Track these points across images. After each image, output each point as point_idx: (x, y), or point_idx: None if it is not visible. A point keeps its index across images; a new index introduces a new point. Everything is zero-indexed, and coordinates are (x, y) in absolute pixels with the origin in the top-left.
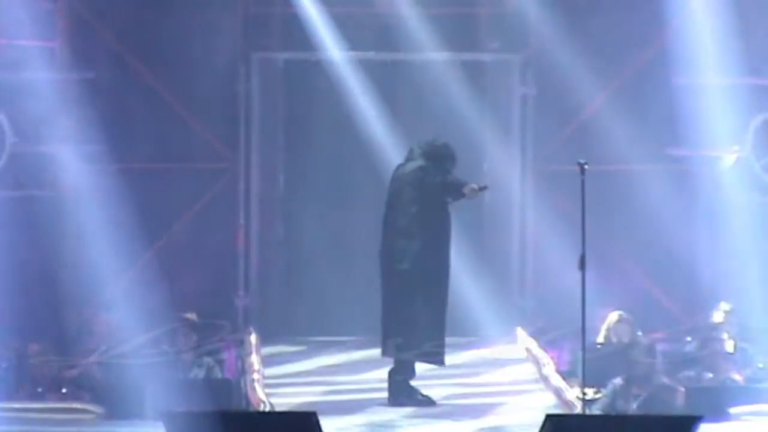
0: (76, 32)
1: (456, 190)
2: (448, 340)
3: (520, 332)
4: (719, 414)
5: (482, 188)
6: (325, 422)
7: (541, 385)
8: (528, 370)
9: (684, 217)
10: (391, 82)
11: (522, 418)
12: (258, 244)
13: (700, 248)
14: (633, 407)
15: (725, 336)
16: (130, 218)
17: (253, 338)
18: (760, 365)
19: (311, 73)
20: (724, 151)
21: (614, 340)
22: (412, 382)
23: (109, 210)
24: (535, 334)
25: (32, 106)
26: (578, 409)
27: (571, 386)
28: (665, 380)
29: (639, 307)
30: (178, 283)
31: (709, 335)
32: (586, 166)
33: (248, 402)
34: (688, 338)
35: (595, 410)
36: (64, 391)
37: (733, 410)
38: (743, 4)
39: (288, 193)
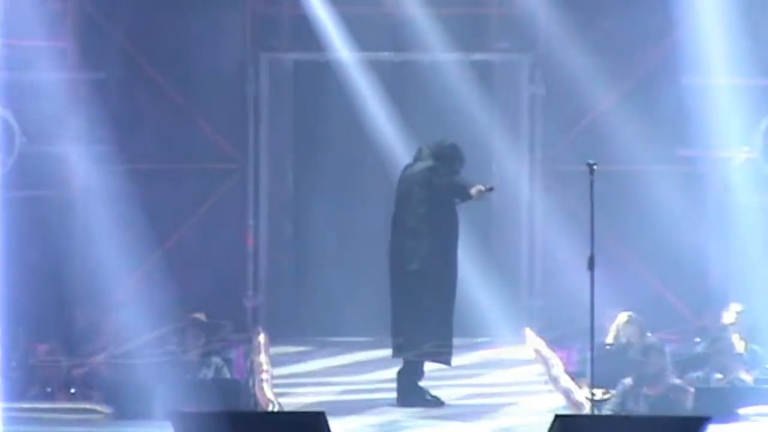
0: (85, 32)
1: (463, 191)
2: (456, 340)
3: (529, 333)
4: (728, 415)
5: (489, 189)
6: (333, 422)
7: (550, 386)
8: (537, 370)
9: (693, 218)
10: (400, 82)
11: (531, 419)
12: (267, 244)
13: (709, 249)
14: (643, 408)
15: (736, 337)
16: (138, 218)
17: (261, 338)
18: None
19: (320, 74)
20: (733, 151)
21: (623, 340)
22: (421, 383)
23: (118, 210)
24: (544, 335)
25: (42, 106)
26: (587, 409)
27: (580, 387)
28: (676, 381)
29: (648, 308)
30: (187, 283)
31: (718, 336)
32: (594, 167)
33: (257, 402)
34: (697, 339)
35: (605, 411)
36: (72, 391)
37: (742, 411)
38: (753, 4)
39: (297, 193)
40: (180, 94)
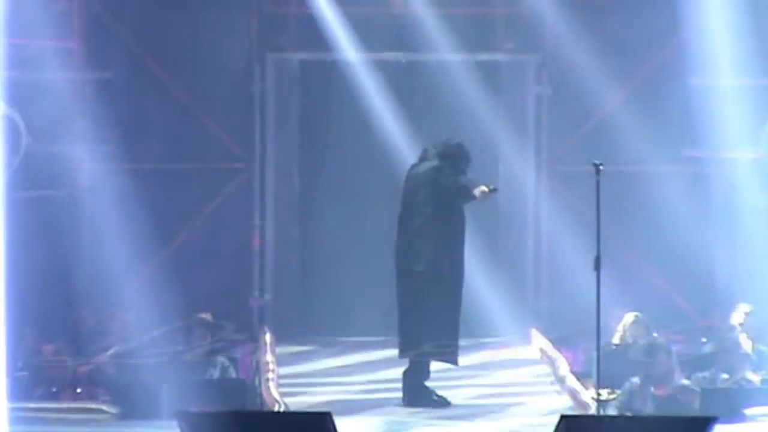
0: (92, 32)
1: (466, 192)
2: (462, 341)
3: (535, 333)
4: (734, 415)
5: (492, 190)
6: (340, 422)
7: (556, 386)
8: (543, 371)
9: (699, 218)
10: (407, 82)
11: (537, 420)
12: (273, 244)
13: (716, 249)
14: (650, 408)
15: (743, 337)
16: (145, 218)
17: (267, 338)
18: None
19: (326, 74)
20: (740, 152)
21: (630, 340)
22: (427, 383)
23: (124, 210)
24: (550, 335)
25: (48, 106)
26: (593, 410)
27: (586, 387)
28: (684, 381)
29: (654, 308)
30: (193, 283)
31: (724, 336)
32: (601, 167)
33: (263, 402)
34: (704, 339)
35: (611, 411)
36: (79, 391)
37: (748, 411)
38: (760, 5)
39: (303, 193)
40: (186, 94)
